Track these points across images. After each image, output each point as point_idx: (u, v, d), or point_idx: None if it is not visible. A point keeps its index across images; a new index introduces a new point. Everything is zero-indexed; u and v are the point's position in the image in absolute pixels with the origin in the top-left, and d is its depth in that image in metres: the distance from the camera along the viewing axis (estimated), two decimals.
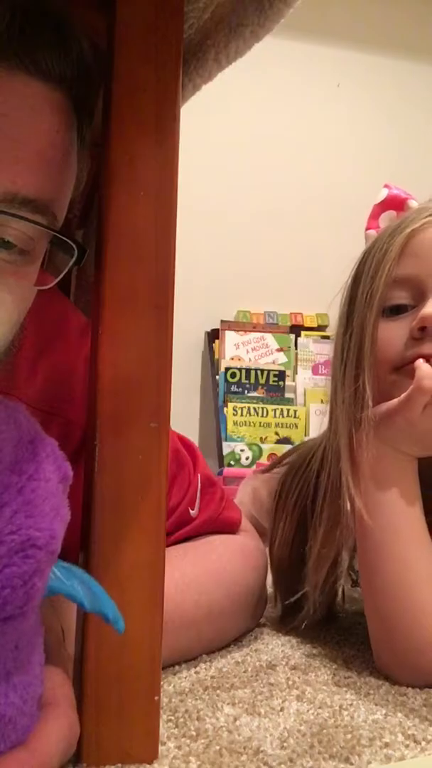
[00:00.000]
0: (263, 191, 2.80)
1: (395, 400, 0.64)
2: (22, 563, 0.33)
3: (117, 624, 0.40)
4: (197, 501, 0.72)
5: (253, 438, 2.44)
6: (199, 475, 0.73)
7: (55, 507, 0.36)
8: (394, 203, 0.75)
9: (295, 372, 2.67)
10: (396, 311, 0.68)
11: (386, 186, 0.78)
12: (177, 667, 0.64)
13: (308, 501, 0.78)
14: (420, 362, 0.63)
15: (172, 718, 0.53)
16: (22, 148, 0.44)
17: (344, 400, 0.69)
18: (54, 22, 0.46)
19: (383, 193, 0.77)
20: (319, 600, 0.74)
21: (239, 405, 2.52)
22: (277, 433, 2.46)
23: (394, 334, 0.67)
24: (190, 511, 0.71)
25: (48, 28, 0.45)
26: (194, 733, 0.50)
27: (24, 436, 0.37)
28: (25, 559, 0.34)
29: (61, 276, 0.50)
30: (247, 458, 2.37)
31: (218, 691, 0.59)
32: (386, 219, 0.75)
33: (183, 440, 0.76)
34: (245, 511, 0.86)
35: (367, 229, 0.76)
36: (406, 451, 0.65)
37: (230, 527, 0.76)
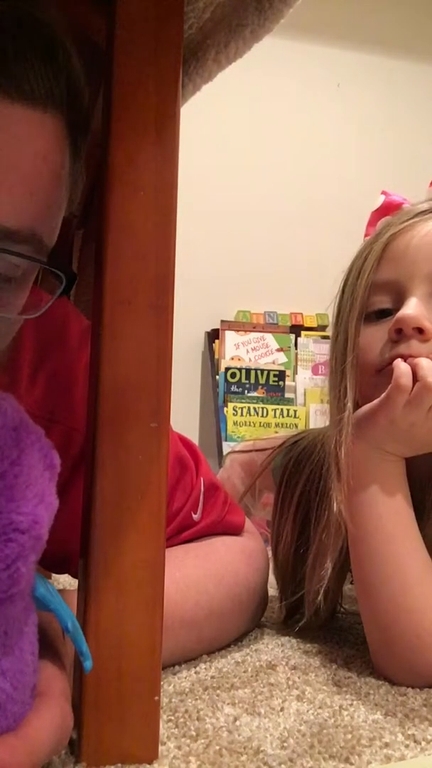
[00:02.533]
0: (263, 191, 2.80)
1: (376, 401, 0.65)
2: (3, 547, 0.34)
3: (86, 661, 0.41)
4: (200, 505, 0.72)
5: (253, 438, 2.44)
6: (202, 479, 0.73)
7: (39, 493, 0.36)
8: (391, 209, 0.76)
9: (295, 372, 2.67)
10: (380, 315, 0.70)
11: (383, 193, 0.79)
12: (177, 667, 0.64)
13: (311, 501, 0.78)
14: (398, 361, 0.64)
15: (172, 718, 0.53)
16: (4, 177, 0.43)
17: (330, 403, 0.72)
18: (39, 39, 0.44)
19: (380, 200, 0.78)
20: (316, 604, 0.74)
21: (239, 405, 2.52)
22: (277, 433, 2.46)
23: (375, 337, 0.69)
24: (193, 516, 0.71)
25: (31, 47, 0.43)
26: (194, 733, 0.50)
27: (8, 423, 0.37)
28: (7, 542, 0.34)
29: (51, 302, 0.49)
30: None
31: (218, 691, 0.59)
32: (382, 224, 0.76)
33: (185, 441, 0.76)
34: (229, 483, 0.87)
35: (366, 236, 0.77)
36: (391, 451, 0.66)
37: (233, 531, 0.76)
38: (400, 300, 0.68)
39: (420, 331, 0.65)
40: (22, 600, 0.37)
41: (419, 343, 0.65)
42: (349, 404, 0.68)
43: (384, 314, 0.69)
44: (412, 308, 0.66)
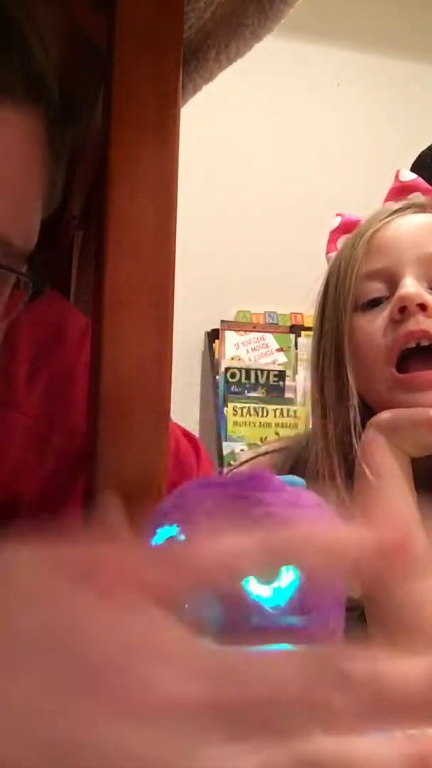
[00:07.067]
0: (263, 191, 2.80)
1: (404, 411, 0.66)
2: None
3: None
4: None
5: (253, 438, 2.44)
6: None
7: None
8: (348, 227, 0.80)
9: (295, 372, 2.67)
10: (372, 305, 0.72)
11: (338, 215, 0.83)
12: None
13: None
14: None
15: None
16: None
17: (323, 397, 0.73)
18: None
19: (336, 221, 0.82)
20: None
21: (239, 405, 2.52)
22: (277, 433, 2.46)
23: (374, 325, 0.71)
24: None
25: None
26: None
27: None
28: None
29: (17, 313, 0.46)
30: None
31: None
32: (343, 241, 0.80)
33: (188, 436, 0.75)
34: None
35: (327, 252, 0.81)
36: (406, 449, 0.66)
37: None
38: (392, 286, 0.70)
39: (423, 307, 0.67)
40: None
41: (425, 318, 0.67)
42: (354, 392, 0.70)
43: (376, 303, 0.72)
44: (411, 286, 0.68)
